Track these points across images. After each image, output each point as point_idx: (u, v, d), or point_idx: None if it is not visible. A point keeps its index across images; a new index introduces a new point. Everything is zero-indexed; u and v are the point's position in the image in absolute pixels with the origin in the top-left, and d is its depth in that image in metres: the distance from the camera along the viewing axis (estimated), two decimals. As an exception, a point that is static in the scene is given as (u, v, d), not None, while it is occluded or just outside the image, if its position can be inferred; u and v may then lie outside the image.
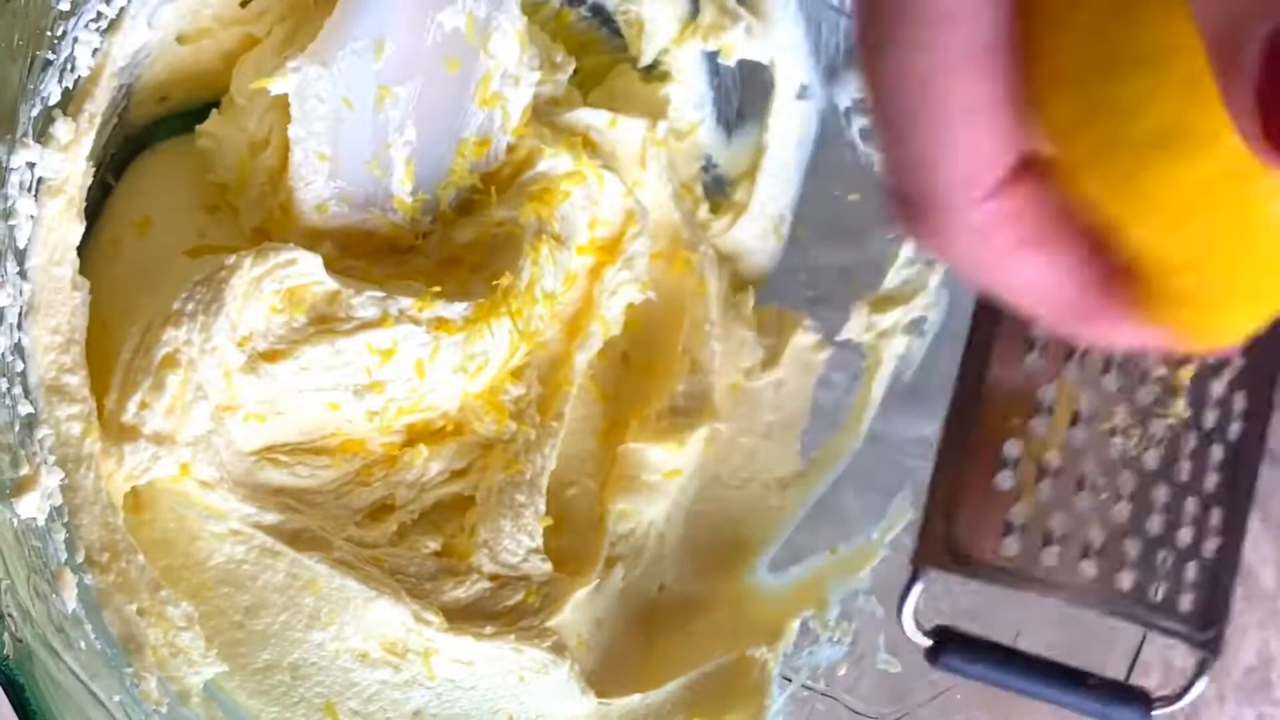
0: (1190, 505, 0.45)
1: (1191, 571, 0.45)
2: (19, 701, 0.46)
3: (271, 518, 0.57)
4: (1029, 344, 0.44)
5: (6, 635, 0.46)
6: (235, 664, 0.56)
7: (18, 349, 0.52)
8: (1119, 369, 0.44)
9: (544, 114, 0.66)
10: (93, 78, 0.55)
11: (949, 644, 0.47)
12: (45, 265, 0.53)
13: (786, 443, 0.69)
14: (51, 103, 0.53)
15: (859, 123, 0.69)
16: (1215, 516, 0.45)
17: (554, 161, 0.64)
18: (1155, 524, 0.44)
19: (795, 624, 0.65)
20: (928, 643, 0.47)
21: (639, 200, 0.66)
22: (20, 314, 0.52)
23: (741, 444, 0.69)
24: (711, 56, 0.69)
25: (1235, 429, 0.45)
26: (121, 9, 0.55)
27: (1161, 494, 0.45)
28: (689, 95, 0.70)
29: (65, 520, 0.52)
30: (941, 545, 0.44)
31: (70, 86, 0.54)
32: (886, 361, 0.68)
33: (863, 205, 0.69)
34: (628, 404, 0.68)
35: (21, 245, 0.52)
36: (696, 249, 0.69)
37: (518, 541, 0.61)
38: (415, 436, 0.62)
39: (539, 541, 0.62)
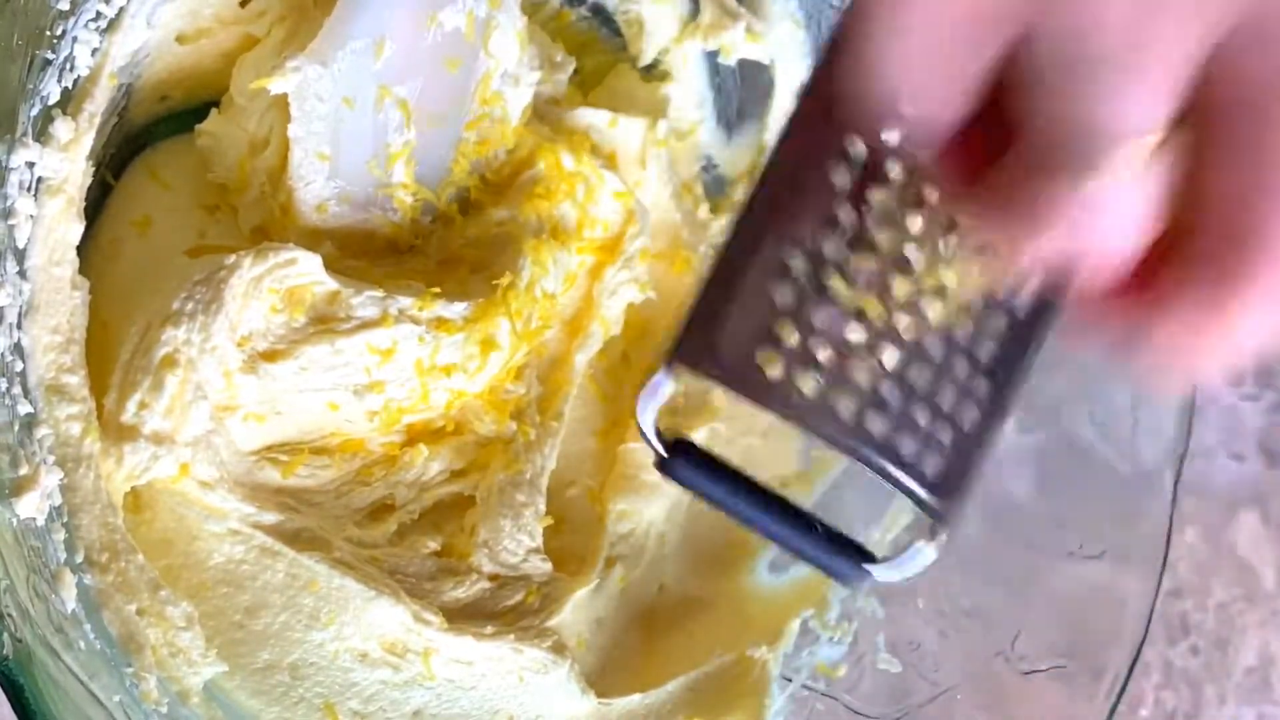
0: (960, 368, 0.42)
1: (945, 436, 0.42)
2: (19, 701, 0.46)
3: (271, 518, 0.57)
4: (840, 156, 0.41)
5: (6, 635, 0.46)
6: (235, 664, 0.56)
7: (17, 349, 0.52)
8: (924, 210, 0.41)
9: (544, 114, 0.66)
10: (92, 77, 0.55)
11: (682, 456, 0.44)
12: (45, 265, 0.53)
13: (786, 443, 0.69)
14: (51, 102, 0.53)
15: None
16: (982, 389, 0.42)
17: (554, 161, 0.64)
18: (921, 376, 0.41)
19: (795, 624, 0.65)
20: (662, 451, 0.43)
21: (639, 200, 0.66)
22: (20, 314, 0.52)
23: (741, 444, 0.69)
24: (711, 56, 0.69)
25: (1024, 304, 0.42)
26: (121, 8, 0.55)
27: (935, 348, 0.41)
28: (689, 95, 0.70)
29: (65, 520, 0.52)
30: (700, 346, 0.40)
31: (70, 86, 0.54)
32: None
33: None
34: (628, 404, 0.68)
35: (21, 245, 0.52)
36: (696, 249, 0.69)
37: (518, 541, 0.61)
38: (415, 436, 0.62)
39: (539, 541, 0.62)
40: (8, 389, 0.51)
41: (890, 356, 0.41)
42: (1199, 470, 0.75)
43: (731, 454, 0.68)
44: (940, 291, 0.41)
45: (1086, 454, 0.59)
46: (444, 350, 0.60)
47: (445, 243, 0.64)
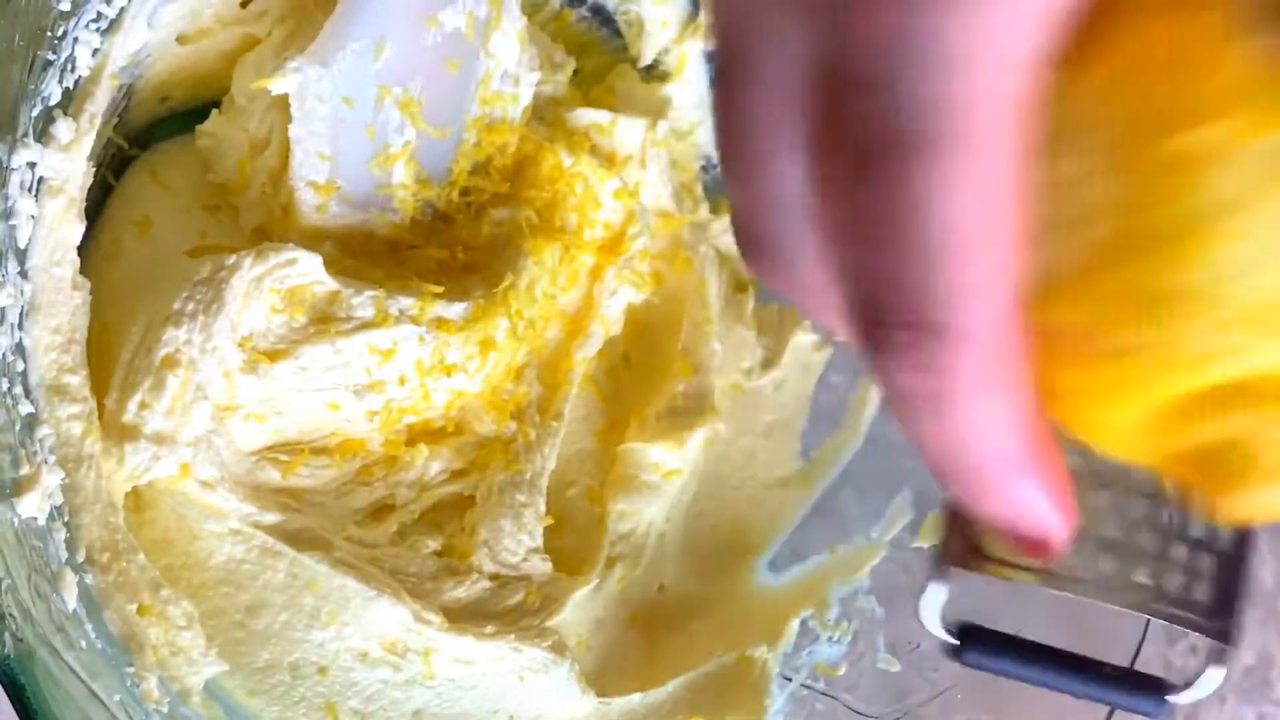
0: None
1: (1205, 563, 0.45)
2: (19, 701, 0.46)
3: (272, 517, 0.57)
4: None
5: (7, 635, 0.46)
6: (236, 663, 0.56)
7: (19, 349, 0.52)
8: None
9: (544, 114, 0.66)
10: (93, 78, 0.55)
11: (973, 640, 0.47)
12: (46, 265, 0.53)
13: (786, 443, 0.69)
14: (52, 103, 0.53)
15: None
16: None
17: (554, 161, 0.64)
18: (1168, 517, 0.44)
19: (795, 624, 0.65)
20: (954, 641, 0.47)
21: (639, 200, 0.66)
22: (21, 314, 0.52)
23: (741, 444, 0.69)
24: (712, 56, 0.69)
25: None
26: (121, 9, 0.55)
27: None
28: (689, 95, 0.70)
29: (66, 520, 0.52)
30: (964, 545, 0.44)
31: (71, 86, 0.54)
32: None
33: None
34: (628, 404, 0.68)
35: (22, 245, 0.52)
36: (696, 249, 0.69)
37: (518, 541, 0.61)
38: (415, 436, 0.62)
39: (539, 541, 0.62)
40: (9, 389, 0.51)
41: (1136, 508, 0.44)
42: (1199, 470, 0.75)
43: (733, 453, 0.69)
44: None
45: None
46: (444, 350, 0.60)
47: (445, 243, 0.64)
